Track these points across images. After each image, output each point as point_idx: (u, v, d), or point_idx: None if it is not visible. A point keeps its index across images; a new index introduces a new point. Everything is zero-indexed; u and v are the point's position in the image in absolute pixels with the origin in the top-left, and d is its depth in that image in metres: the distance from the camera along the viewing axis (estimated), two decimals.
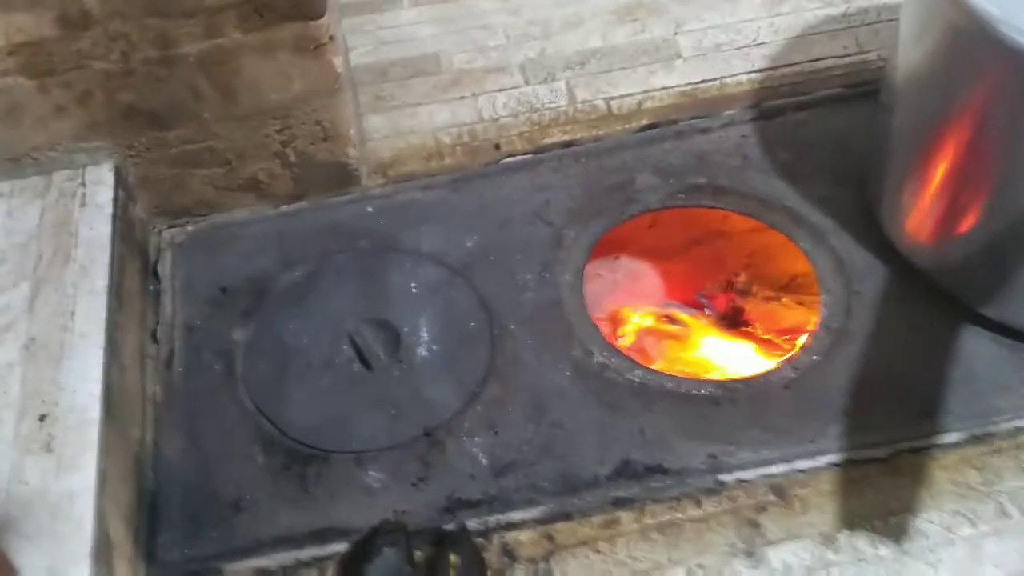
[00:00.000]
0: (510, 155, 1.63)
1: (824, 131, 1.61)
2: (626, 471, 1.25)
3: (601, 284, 1.69)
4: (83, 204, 1.40)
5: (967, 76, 1.19)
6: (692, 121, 1.64)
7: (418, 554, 1.18)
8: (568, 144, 1.63)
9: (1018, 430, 1.26)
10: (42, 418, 1.17)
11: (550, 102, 1.69)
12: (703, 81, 1.70)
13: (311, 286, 1.48)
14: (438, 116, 1.70)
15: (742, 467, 1.25)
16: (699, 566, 1.17)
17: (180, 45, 1.32)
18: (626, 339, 1.66)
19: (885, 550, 1.18)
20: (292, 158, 1.52)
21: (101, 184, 1.42)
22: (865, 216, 1.48)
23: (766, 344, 1.60)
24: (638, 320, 1.68)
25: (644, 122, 1.65)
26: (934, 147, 1.29)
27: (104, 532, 1.11)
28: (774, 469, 1.24)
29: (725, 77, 1.70)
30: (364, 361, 1.40)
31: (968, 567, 1.16)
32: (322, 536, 1.23)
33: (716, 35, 1.77)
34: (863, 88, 1.65)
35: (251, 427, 1.34)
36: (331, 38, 1.39)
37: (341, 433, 1.33)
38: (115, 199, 1.41)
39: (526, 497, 1.24)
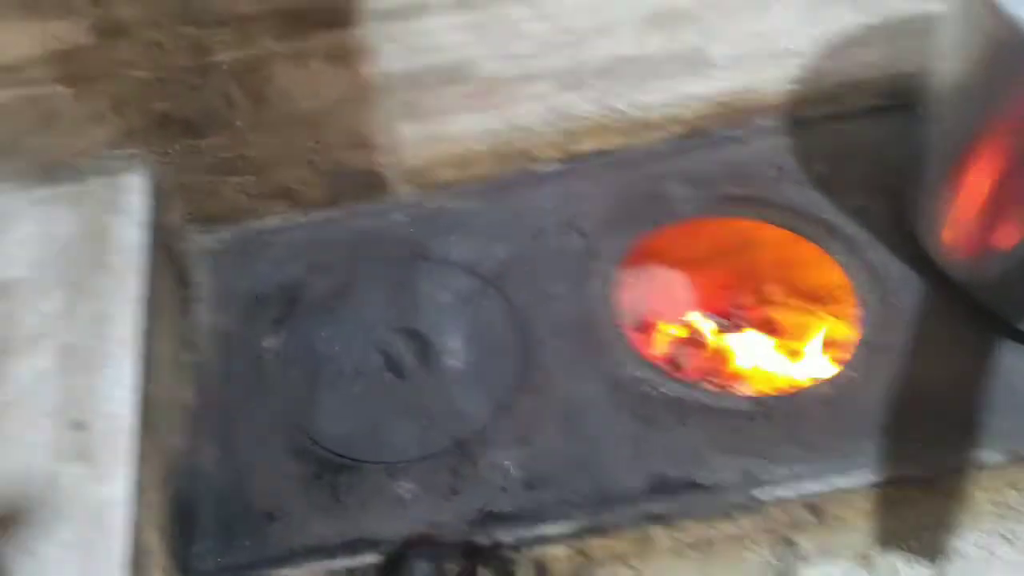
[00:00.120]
0: (542, 164, 1.62)
1: (860, 142, 1.59)
2: (660, 486, 1.24)
3: (631, 293, 1.68)
4: (117, 211, 1.40)
5: (1008, 87, 1.17)
6: (726, 130, 1.62)
7: (450, 567, 1.18)
8: (600, 153, 1.62)
9: None
10: (78, 426, 1.17)
11: (582, 110, 1.68)
12: (737, 90, 1.67)
13: (342, 294, 1.48)
14: (469, 124, 1.69)
15: (778, 484, 1.23)
16: None
17: (214, 53, 1.33)
18: (656, 349, 1.64)
19: (922, 571, 1.16)
20: (324, 166, 1.52)
21: (135, 191, 1.42)
22: (902, 229, 1.46)
23: (798, 356, 1.58)
24: (668, 330, 1.67)
25: (677, 131, 1.63)
26: (974, 159, 1.27)
27: (139, 541, 1.11)
28: (810, 486, 1.23)
29: (759, 86, 1.68)
30: (395, 370, 1.39)
31: None
32: (354, 547, 1.22)
33: (750, 43, 1.74)
34: (899, 99, 1.63)
35: (284, 436, 1.34)
36: (364, 46, 1.39)
37: (372, 443, 1.32)
38: (149, 206, 1.41)
39: (559, 511, 1.23)
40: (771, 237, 1.58)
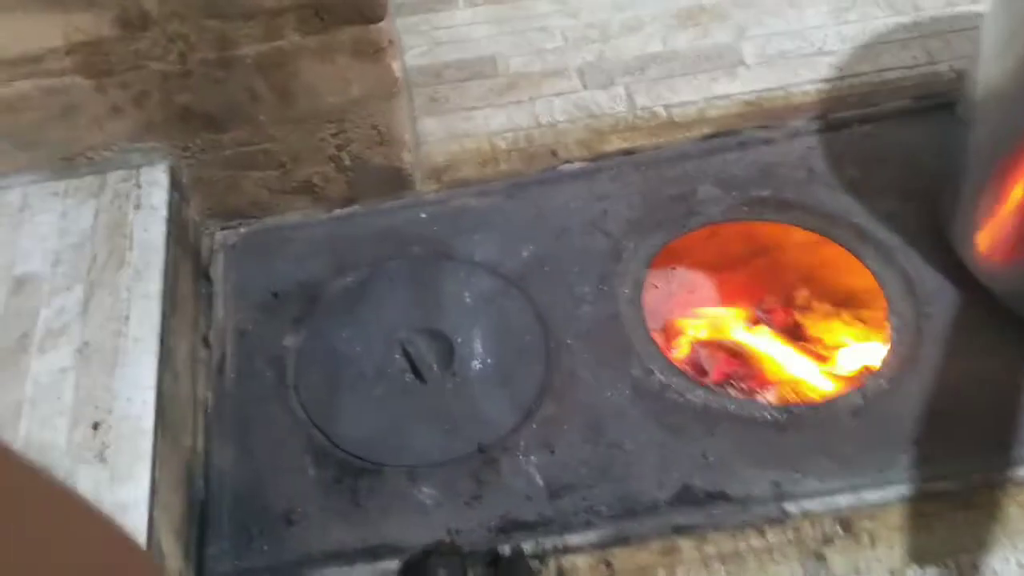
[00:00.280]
0: (567, 162, 1.59)
1: (893, 145, 1.56)
2: (687, 496, 1.21)
3: (656, 295, 1.65)
4: (137, 205, 1.38)
5: None
6: (756, 131, 1.59)
7: (471, 574, 1.15)
8: (627, 152, 1.59)
9: None
10: (96, 426, 1.15)
11: (609, 108, 1.65)
12: (767, 90, 1.65)
13: (363, 293, 1.46)
14: (493, 120, 1.66)
15: (808, 496, 1.20)
16: None
17: (238, 47, 1.30)
18: (682, 352, 1.62)
19: None
20: (347, 162, 1.49)
21: (155, 185, 1.40)
22: (935, 235, 1.43)
23: (826, 361, 1.55)
24: (694, 333, 1.64)
25: (706, 131, 1.60)
26: (1015, 165, 1.24)
27: (156, 543, 1.10)
28: (841, 500, 1.20)
29: (790, 86, 1.65)
30: (417, 372, 1.37)
31: None
32: (374, 553, 1.20)
33: (781, 42, 1.72)
34: (934, 100, 1.60)
35: (302, 437, 1.31)
36: (390, 42, 1.36)
37: (393, 446, 1.30)
38: (169, 201, 1.39)
39: (583, 520, 1.20)
40: (801, 241, 1.54)
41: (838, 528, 1.18)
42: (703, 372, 1.58)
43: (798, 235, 1.53)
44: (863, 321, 1.57)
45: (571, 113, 1.65)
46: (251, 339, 1.42)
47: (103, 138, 1.38)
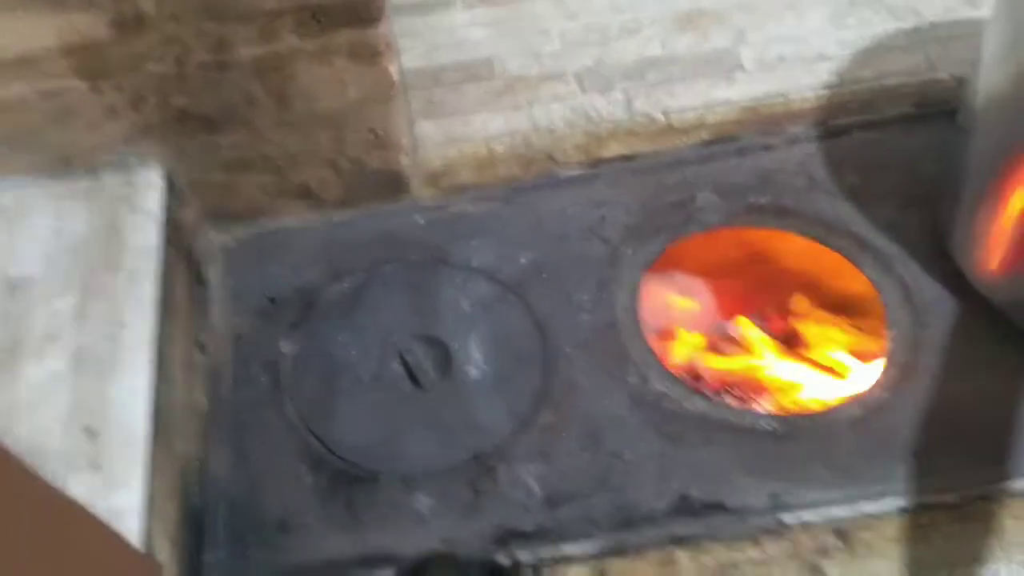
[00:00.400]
0: (565, 167, 1.58)
1: (893, 152, 1.55)
2: (685, 507, 1.21)
3: (655, 302, 1.64)
4: (133, 209, 1.37)
5: None
6: (755, 138, 1.58)
7: None
8: (626, 158, 1.58)
9: None
10: (89, 433, 1.14)
11: (607, 113, 1.64)
12: (767, 95, 1.64)
13: (360, 298, 1.45)
14: (491, 124, 1.65)
15: (805, 508, 1.20)
16: None
17: (235, 50, 1.29)
18: (678, 359, 1.61)
19: None
20: (344, 165, 1.48)
21: (151, 188, 1.39)
22: (935, 244, 1.43)
23: (824, 369, 1.55)
24: (691, 340, 1.63)
25: (705, 137, 1.60)
26: (1016, 174, 1.23)
27: (151, 551, 1.09)
28: (838, 511, 1.20)
29: (790, 92, 1.64)
30: (413, 379, 1.36)
31: None
32: (370, 562, 1.20)
33: (780, 47, 1.71)
34: (934, 108, 1.59)
35: (298, 444, 1.31)
36: (387, 44, 1.35)
37: (389, 453, 1.29)
38: (165, 204, 1.38)
39: (580, 530, 1.20)
40: (799, 249, 1.54)
41: (835, 540, 1.18)
42: (700, 379, 1.58)
43: (797, 242, 1.53)
44: (861, 330, 1.57)
45: (569, 118, 1.64)
46: (247, 344, 1.41)
47: (99, 140, 1.36)
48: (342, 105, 1.40)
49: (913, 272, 1.41)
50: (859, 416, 1.28)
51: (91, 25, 1.22)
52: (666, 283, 1.64)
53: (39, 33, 1.21)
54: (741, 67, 1.70)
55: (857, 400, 1.30)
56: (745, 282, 1.67)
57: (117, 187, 1.39)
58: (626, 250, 1.47)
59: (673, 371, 1.39)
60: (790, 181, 1.53)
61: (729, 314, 1.68)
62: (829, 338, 1.60)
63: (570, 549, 1.19)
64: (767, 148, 1.57)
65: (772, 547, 1.18)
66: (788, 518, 1.19)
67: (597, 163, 1.59)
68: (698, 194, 1.52)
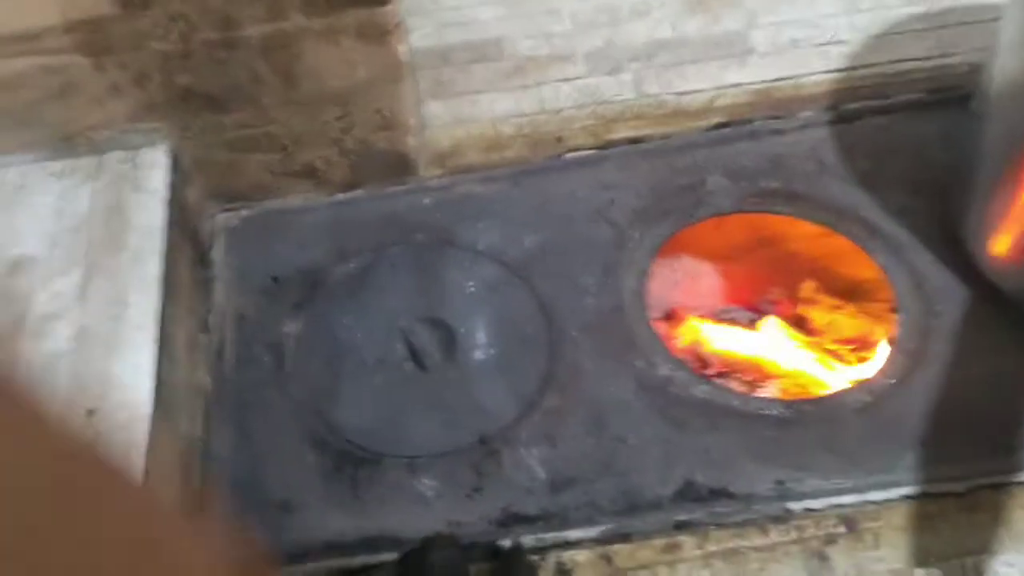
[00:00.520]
0: (573, 149, 1.57)
1: (905, 138, 1.53)
2: (689, 493, 1.20)
3: (660, 283, 1.63)
4: (136, 187, 1.36)
5: None
6: (766, 121, 1.57)
7: (471, 567, 1.14)
8: (634, 140, 1.56)
9: None
10: (90, 413, 1.13)
11: (616, 95, 1.62)
12: (778, 79, 1.62)
13: (364, 279, 1.44)
14: (499, 105, 1.63)
15: (811, 495, 1.19)
16: None
17: (242, 27, 1.27)
18: (684, 343, 1.60)
19: None
20: (350, 146, 1.47)
21: (155, 167, 1.38)
22: (946, 231, 1.41)
23: (832, 355, 1.54)
24: (698, 324, 1.62)
25: (715, 120, 1.57)
26: None
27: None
28: (845, 499, 1.19)
29: (801, 76, 1.62)
30: (418, 361, 1.35)
31: None
32: (373, 544, 1.19)
33: (792, 30, 1.68)
34: (948, 93, 1.57)
35: (302, 425, 1.30)
36: (396, 24, 1.33)
37: (393, 436, 1.29)
38: (169, 183, 1.37)
39: (584, 515, 1.19)
40: (809, 234, 1.52)
41: (842, 527, 1.17)
42: (706, 363, 1.57)
43: (806, 227, 1.51)
44: (870, 316, 1.55)
45: (578, 99, 1.62)
46: (251, 325, 1.40)
47: (102, 118, 1.35)
48: (349, 85, 1.38)
49: (923, 259, 1.39)
50: (867, 403, 1.27)
51: (94, 1, 1.20)
52: (674, 267, 1.62)
53: (42, 9, 1.20)
54: (753, 50, 1.67)
55: (865, 387, 1.29)
56: (754, 267, 1.65)
57: (120, 166, 1.38)
58: (634, 233, 1.46)
59: (679, 356, 1.38)
60: (801, 166, 1.51)
61: (737, 299, 1.67)
62: (838, 324, 1.58)
63: (574, 533, 1.18)
64: (778, 132, 1.55)
65: (777, 534, 1.17)
66: (794, 505, 1.18)
67: (606, 145, 1.57)
68: (708, 178, 1.51)
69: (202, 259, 1.45)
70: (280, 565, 1.17)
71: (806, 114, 1.57)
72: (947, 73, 1.61)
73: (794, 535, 1.17)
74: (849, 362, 1.51)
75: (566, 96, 1.64)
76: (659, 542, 1.17)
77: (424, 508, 1.22)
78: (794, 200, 1.48)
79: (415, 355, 1.36)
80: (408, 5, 1.46)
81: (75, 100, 1.32)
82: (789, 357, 1.57)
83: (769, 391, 1.48)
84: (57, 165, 1.37)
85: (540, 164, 1.56)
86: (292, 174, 1.49)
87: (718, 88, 1.62)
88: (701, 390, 1.29)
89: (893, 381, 1.29)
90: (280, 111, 1.39)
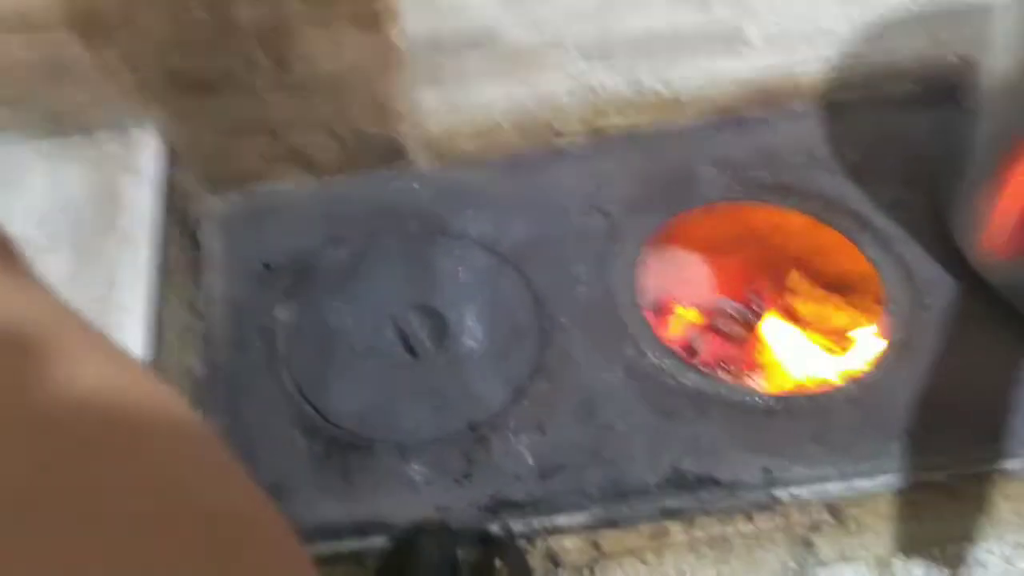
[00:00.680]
0: (566, 139, 1.57)
1: (896, 131, 1.54)
2: (677, 480, 1.21)
3: (653, 277, 1.64)
4: (128, 169, 1.35)
5: None
6: (757, 113, 1.57)
7: (460, 552, 1.15)
8: (627, 130, 1.57)
9: None
10: None
11: (610, 85, 1.62)
12: (770, 70, 1.62)
13: (356, 266, 1.44)
14: (492, 93, 1.63)
15: (797, 483, 1.20)
16: None
17: (235, 11, 1.27)
18: (674, 333, 1.61)
19: None
20: (343, 132, 1.47)
21: (147, 149, 1.37)
22: (936, 224, 1.42)
23: (822, 350, 1.55)
24: (685, 313, 1.63)
25: (707, 111, 1.58)
26: (1020, 157, 1.22)
27: None
28: (830, 487, 1.20)
29: (793, 67, 1.62)
30: (409, 348, 1.36)
31: None
32: (363, 529, 1.20)
33: (786, 23, 1.68)
34: (939, 88, 1.58)
35: (292, 410, 1.30)
36: (391, 11, 1.33)
37: (384, 422, 1.29)
38: (161, 167, 1.36)
39: (573, 501, 1.20)
40: (799, 226, 1.53)
41: (827, 515, 1.19)
42: (694, 353, 1.58)
43: (796, 219, 1.52)
44: (858, 308, 1.56)
45: (571, 89, 1.62)
46: (242, 310, 1.40)
47: (93, 99, 1.34)
48: (343, 71, 1.38)
49: (913, 252, 1.40)
50: (854, 394, 1.28)
51: None
52: (665, 257, 1.63)
53: None
54: (746, 41, 1.67)
55: (852, 378, 1.30)
56: (744, 258, 1.66)
57: (112, 148, 1.37)
58: (625, 223, 1.46)
59: (669, 345, 1.39)
60: (791, 157, 1.52)
61: (727, 289, 1.68)
62: (826, 316, 1.60)
63: (562, 520, 1.19)
64: (770, 124, 1.56)
65: (764, 522, 1.18)
66: (780, 493, 1.20)
67: (598, 135, 1.57)
68: (699, 168, 1.51)
69: (193, 243, 1.45)
70: None
71: (798, 106, 1.58)
72: (939, 66, 1.61)
73: (780, 522, 1.18)
74: (837, 353, 1.52)
75: (559, 86, 1.63)
76: (646, 528, 1.18)
77: (414, 494, 1.22)
78: (784, 192, 1.49)
79: (406, 342, 1.36)
80: None
81: (66, 81, 1.31)
82: (778, 347, 1.58)
83: (757, 381, 1.49)
84: (47, 145, 1.37)
85: (532, 153, 1.56)
86: (284, 159, 1.49)
87: (711, 79, 1.62)
88: (690, 379, 1.30)
89: (880, 372, 1.30)
90: (273, 95, 1.39)
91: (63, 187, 1.33)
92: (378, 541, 1.18)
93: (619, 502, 1.20)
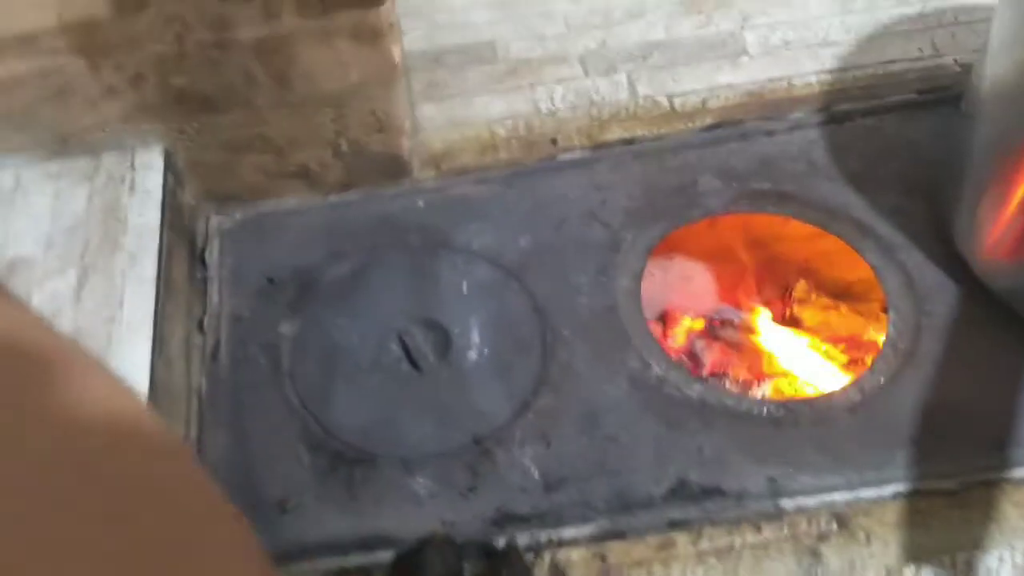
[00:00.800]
0: (567, 151, 1.57)
1: (896, 138, 1.54)
2: (683, 491, 1.21)
3: (653, 284, 1.64)
4: (132, 189, 1.36)
5: None
6: (758, 122, 1.57)
7: (466, 565, 1.15)
8: (628, 141, 1.57)
9: None
10: None
11: (610, 96, 1.63)
12: (770, 80, 1.63)
13: (359, 281, 1.45)
14: (493, 107, 1.64)
15: (803, 493, 1.20)
16: None
17: (236, 29, 1.28)
18: (678, 343, 1.61)
19: None
20: (344, 147, 1.48)
21: (150, 168, 1.38)
22: (937, 231, 1.42)
23: (825, 358, 1.55)
24: (691, 324, 1.63)
25: (708, 121, 1.58)
26: (1020, 162, 1.22)
27: None
28: (837, 496, 1.20)
29: (793, 77, 1.63)
30: (413, 362, 1.36)
31: None
32: (368, 543, 1.20)
33: (785, 32, 1.70)
34: (939, 94, 1.58)
35: (297, 425, 1.31)
36: (391, 26, 1.34)
37: (388, 436, 1.29)
38: (164, 184, 1.37)
39: (578, 514, 1.20)
40: (800, 234, 1.53)
41: (834, 525, 1.18)
42: (699, 363, 1.58)
43: (798, 228, 1.52)
44: (861, 316, 1.57)
45: (572, 101, 1.63)
46: (246, 325, 1.40)
47: (97, 119, 1.35)
48: (343, 87, 1.39)
49: (914, 258, 1.40)
50: (858, 402, 1.28)
51: (90, 3, 1.21)
52: (667, 268, 1.63)
53: (37, 10, 1.20)
54: (745, 51, 1.68)
55: (856, 386, 1.30)
56: (746, 267, 1.66)
57: (116, 167, 1.38)
58: (627, 234, 1.46)
59: (673, 356, 1.39)
60: (792, 166, 1.52)
61: (730, 299, 1.68)
62: (829, 324, 1.60)
63: (568, 532, 1.19)
64: (770, 133, 1.56)
65: (770, 532, 1.18)
66: (786, 503, 1.19)
67: (599, 147, 1.58)
68: (700, 179, 1.51)
69: (198, 260, 1.46)
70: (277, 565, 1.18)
71: (798, 115, 1.58)
72: (938, 74, 1.62)
73: (787, 532, 1.18)
74: (841, 361, 1.52)
75: (559, 98, 1.64)
76: (653, 540, 1.18)
77: (419, 508, 1.22)
78: (786, 201, 1.49)
79: (410, 356, 1.36)
80: (402, 7, 1.47)
81: (71, 101, 1.32)
82: (782, 356, 1.58)
83: (762, 391, 1.49)
84: (53, 166, 1.38)
85: (534, 165, 1.56)
86: (287, 175, 1.50)
87: (710, 89, 1.63)
88: (694, 390, 1.30)
89: (884, 380, 1.30)
90: (274, 113, 1.40)
91: (69, 207, 1.34)
92: (384, 556, 1.18)
93: (625, 514, 1.20)
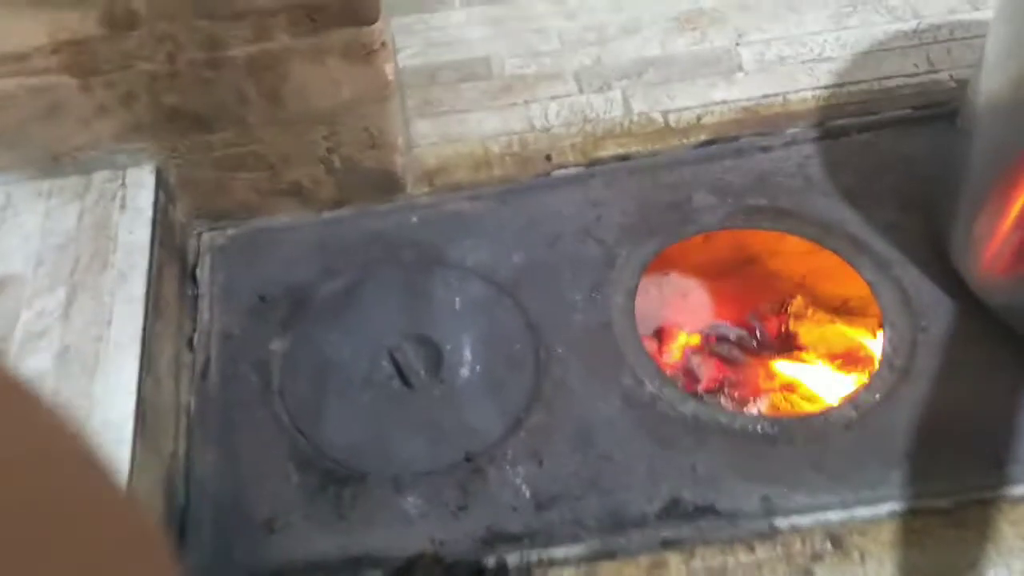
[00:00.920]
0: (562, 167, 1.57)
1: (891, 154, 1.53)
2: (675, 510, 1.20)
3: (648, 301, 1.63)
4: (123, 207, 1.36)
5: None
6: (753, 138, 1.57)
7: None
8: (622, 158, 1.57)
9: None
10: None
11: (605, 112, 1.63)
12: (765, 96, 1.62)
13: (352, 298, 1.44)
14: (487, 123, 1.64)
15: (798, 512, 1.18)
16: None
17: (228, 48, 1.28)
18: (673, 360, 1.60)
19: None
20: (337, 164, 1.47)
21: (142, 187, 1.38)
22: (933, 247, 1.41)
23: (820, 375, 1.54)
24: (686, 341, 1.62)
25: (702, 137, 1.58)
26: (1016, 178, 1.22)
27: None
28: (831, 515, 1.18)
29: (788, 93, 1.62)
30: (404, 379, 1.35)
31: None
32: (357, 563, 1.18)
33: (780, 48, 1.69)
34: (934, 109, 1.57)
35: (287, 443, 1.30)
36: (383, 44, 1.34)
37: (379, 454, 1.28)
38: (155, 202, 1.37)
39: (570, 533, 1.19)
40: (796, 251, 1.53)
41: (828, 544, 1.17)
42: (695, 379, 1.57)
43: (794, 244, 1.51)
44: (857, 332, 1.55)
45: (566, 117, 1.63)
46: (237, 343, 1.40)
47: (89, 138, 1.36)
48: (336, 104, 1.39)
49: (910, 274, 1.39)
50: (853, 419, 1.26)
51: (81, 22, 1.21)
52: (662, 284, 1.63)
53: (28, 29, 1.21)
54: (740, 68, 1.68)
55: (852, 402, 1.29)
56: (742, 283, 1.65)
57: (107, 185, 1.38)
58: (621, 251, 1.46)
59: (667, 373, 1.38)
60: (788, 182, 1.51)
61: (725, 315, 1.67)
62: (825, 340, 1.58)
63: (559, 552, 1.17)
64: (765, 149, 1.56)
65: (764, 551, 1.16)
66: (780, 522, 1.18)
67: (594, 163, 1.57)
68: (695, 195, 1.51)
69: (189, 278, 1.46)
70: None
71: (793, 131, 1.57)
72: (933, 89, 1.61)
73: (780, 551, 1.16)
74: (837, 378, 1.50)
75: (554, 114, 1.64)
76: (645, 559, 1.16)
77: (408, 526, 1.21)
78: (781, 216, 1.48)
79: (401, 373, 1.35)
80: (396, 25, 1.47)
81: (62, 120, 1.32)
82: (778, 372, 1.56)
83: (758, 407, 1.48)
84: (44, 184, 1.38)
85: (528, 182, 1.56)
86: (279, 193, 1.50)
87: (705, 105, 1.62)
88: (688, 407, 1.29)
89: (880, 396, 1.28)
90: (266, 130, 1.40)
91: (59, 225, 1.34)
92: (372, 575, 1.17)
93: (617, 533, 1.18)
